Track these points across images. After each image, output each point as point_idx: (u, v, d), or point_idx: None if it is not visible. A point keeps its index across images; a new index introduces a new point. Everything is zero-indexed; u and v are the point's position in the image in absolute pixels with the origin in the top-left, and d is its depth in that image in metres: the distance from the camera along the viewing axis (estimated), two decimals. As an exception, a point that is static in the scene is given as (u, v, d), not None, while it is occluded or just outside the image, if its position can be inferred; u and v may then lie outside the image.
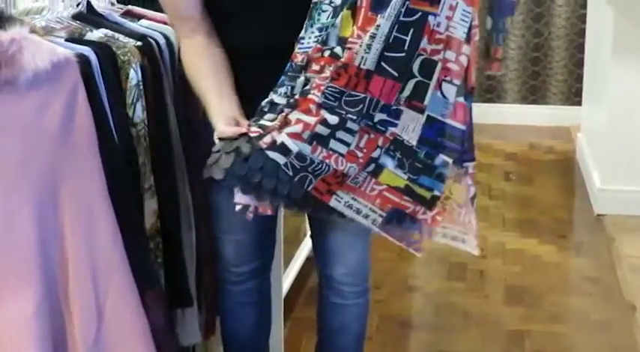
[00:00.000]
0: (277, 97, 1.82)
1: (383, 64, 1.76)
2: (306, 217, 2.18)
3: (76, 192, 1.68)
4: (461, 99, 1.81)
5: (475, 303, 3.22)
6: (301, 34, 1.83)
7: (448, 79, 1.79)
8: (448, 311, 3.18)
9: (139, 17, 2.14)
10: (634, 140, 3.94)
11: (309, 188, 1.81)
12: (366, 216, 1.87)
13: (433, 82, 1.78)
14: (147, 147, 1.91)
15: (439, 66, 1.78)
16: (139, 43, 1.92)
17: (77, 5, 2.02)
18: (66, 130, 1.66)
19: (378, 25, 1.74)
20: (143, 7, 2.20)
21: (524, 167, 4.84)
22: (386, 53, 1.75)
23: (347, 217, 1.87)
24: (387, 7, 1.74)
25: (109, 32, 1.92)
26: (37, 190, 1.64)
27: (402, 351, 2.97)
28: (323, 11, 1.81)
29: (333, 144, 1.78)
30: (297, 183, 1.80)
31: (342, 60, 1.75)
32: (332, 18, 1.80)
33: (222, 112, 1.85)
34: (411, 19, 1.75)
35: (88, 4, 2.05)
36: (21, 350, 1.62)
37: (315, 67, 1.80)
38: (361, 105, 1.78)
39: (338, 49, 1.77)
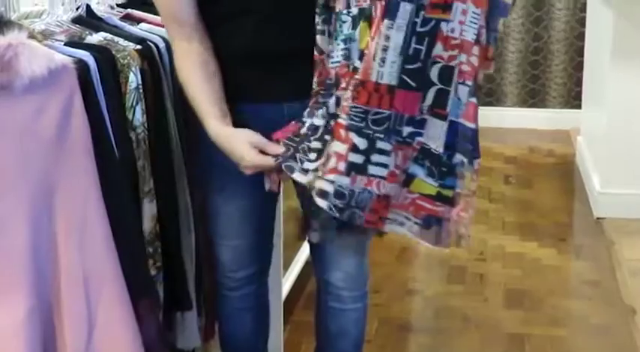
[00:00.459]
0: (317, 119, 1.84)
1: (404, 77, 1.76)
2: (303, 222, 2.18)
3: (71, 198, 1.67)
4: (473, 98, 1.81)
5: (475, 307, 3.22)
6: (330, 48, 1.83)
7: (462, 81, 1.79)
8: (448, 315, 3.18)
9: (139, 21, 2.14)
10: (634, 143, 3.94)
11: (361, 223, 1.84)
12: (402, 224, 1.89)
13: (453, 88, 1.79)
14: (146, 150, 1.91)
15: (456, 71, 1.78)
16: (139, 47, 1.92)
17: (77, 9, 2.02)
18: (61, 136, 1.65)
19: (388, 36, 1.74)
20: (143, 10, 2.19)
21: (523, 170, 4.84)
22: (406, 66, 1.75)
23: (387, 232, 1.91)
24: (395, 14, 1.73)
25: (109, 36, 1.92)
26: (32, 195, 1.64)
27: (402, 355, 2.98)
28: (343, 22, 1.81)
29: (371, 169, 1.80)
30: (349, 221, 1.83)
31: (358, 77, 1.76)
32: (352, 29, 1.80)
33: (242, 139, 1.88)
34: (426, 28, 1.75)
35: (88, 7, 2.05)
36: (10, 357, 1.61)
37: (343, 84, 1.81)
38: (387, 123, 1.78)
39: (358, 63, 1.78)
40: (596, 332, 3.03)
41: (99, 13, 2.08)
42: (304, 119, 1.86)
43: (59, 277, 1.67)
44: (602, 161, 4.12)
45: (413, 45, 1.75)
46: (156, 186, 1.94)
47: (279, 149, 1.86)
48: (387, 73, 1.75)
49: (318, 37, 1.85)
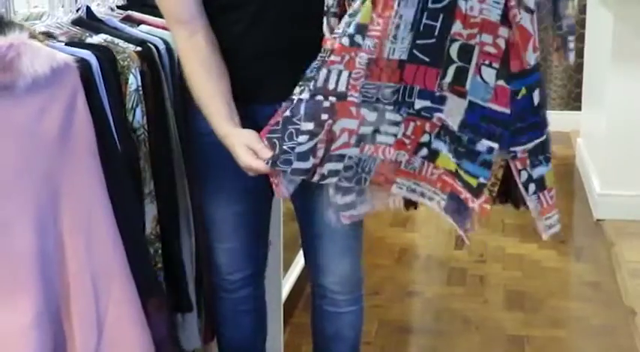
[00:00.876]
0: (300, 92, 1.79)
1: (415, 51, 1.77)
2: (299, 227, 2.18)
3: (76, 197, 1.67)
4: (501, 82, 1.79)
5: (475, 308, 3.22)
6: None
7: (487, 62, 1.78)
8: (448, 317, 3.18)
9: (139, 23, 2.14)
10: (634, 145, 3.94)
11: (366, 184, 1.86)
12: (431, 199, 1.90)
13: (472, 67, 1.78)
14: (147, 152, 1.91)
15: (477, 50, 1.77)
16: (139, 49, 1.92)
17: (77, 11, 2.02)
18: (65, 135, 1.65)
19: (400, 14, 1.74)
20: (143, 12, 2.19)
21: (523, 172, 4.83)
22: (417, 41, 1.75)
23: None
24: None
25: (109, 37, 1.92)
26: (37, 196, 1.63)
27: (402, 356, 2.98)
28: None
29: (379, 138, 1.82)
30: (356, 185, 1.85)
31: (373, 56, 1.75)
32: (360, 3, 1.76)
33: (241, 140, 1.84)
34: (439, 4, 1.74)
35: (88, 9, 2.05)
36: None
37: (335, 57, 1.77)
38: (397, 95, 1.79)
39: (358, 38, 1.76)
40: (596, 334, 3.04)
41: (99, 15, 2.07)
42: (294, 96, 1.81)
43: (67, 277, 1.66)
44: (602, 163, 4.12)
45: (424, 21, 1.75)
46: (156, 187, 1.94)
47: (269, 153, 1.81)
48: (398, 49, 1.76)
49: (332, 19, 1.82)
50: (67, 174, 1.66)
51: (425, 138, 1.84)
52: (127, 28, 2.06)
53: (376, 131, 1.81)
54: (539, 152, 1.88)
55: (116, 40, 1.92)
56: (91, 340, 1.67)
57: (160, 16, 2.02)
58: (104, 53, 1.82)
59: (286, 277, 2.90)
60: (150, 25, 2.11)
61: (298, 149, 1.80)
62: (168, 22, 1.97)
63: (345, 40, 1.76)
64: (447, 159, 1.85)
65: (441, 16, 1.75)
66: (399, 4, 1.73)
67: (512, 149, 1.84)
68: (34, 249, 1.62)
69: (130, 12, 2.19)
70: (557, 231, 2.00)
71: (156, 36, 2.03)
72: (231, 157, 1.86)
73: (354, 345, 2.23)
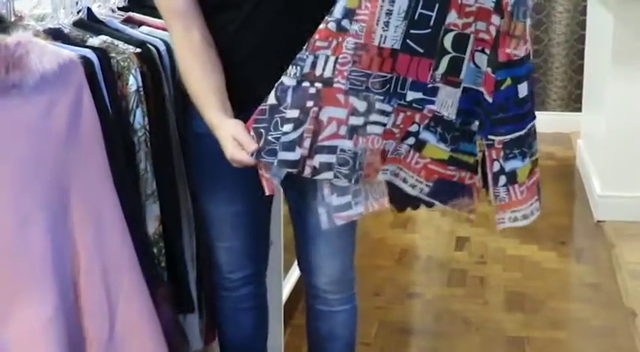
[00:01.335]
0: (287, 79, 1.76)
1: (409, 41, 1.73)
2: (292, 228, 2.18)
3: (85, 192, 1.69)
4: (489, 69, 1.77)
5: (475, 310, 3.22)
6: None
7: (480, 48, 1.76)
8: (448, 318, 3.18)
9: (140, 24, 2.14)
10: (634, 146, 3.94)
11: (362, 180, 1.83)
12: (413, 186, 1.88)
13: (467, 55, 1.76)
14: (148, 152, 1.91)
15: (472, 38, 1.75)
16: (139, 50, 1.92)
17: (78, 12, 2.03)
18: (73, 131, 1.66)
19: (392, 0, 1.70)
20: (143, 13, 2.20)
21: (524, 173, 4.83)
22: (411, 31, 1.72)
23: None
24: None
25: (109, 39, 1.93)
26: (48, 192, 1.65)
27: (402, 358, 2.98)
28: None
29: (370, 128, 1.79)
30: (355, 183, 1.82)
31: (360, 41, 1.72)
32: None
33: (227, 130, 1.82)
34: None
35: (89, 11, 2.06)
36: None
37: (321, 43, 1.74)
38: (388, 86, 1.76)
39: (345, 22, 1.72)
40: (596, 335, 3.03)
41: (100, 17, 2.08)
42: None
43: (78, 271, 1.68)
44: (602, 164, 4.12)
45: (419, 10, 1.72)
46: (158, 187, 1.94)
47: (254, 145, 1.78)
48: (391, 37, 1.73)
49: None
50: (76, 169, 1.68)
51: (413, 128, 1.82)
52: (128, 30, 2.06)
53: (366, 122, 1.78)
54: (515, 145, 1.85)
55: (116, 42, 1.92)
56: (103, 329, 1.70)
57: (161, 17, 2.03)
58: (103, 53, 1.83)
59: (287, 278, 2.90)
60: (150, 26, 2.12)
61: (283, 139, 1.76)
62: (163, 16, 1.96)
63: (332, 25, 1.73)
64: (435, 149, 1.83)
65: (437, 5, 1.72)
66: None
67: (490, 137, 1.83)
68: (49, 244, 1.64)
69: (130, 13, 2.19)
70: (521, 225, 1.96)
71: (156, 37, 2.04)
72: None
73: (349, 344, 2.24)
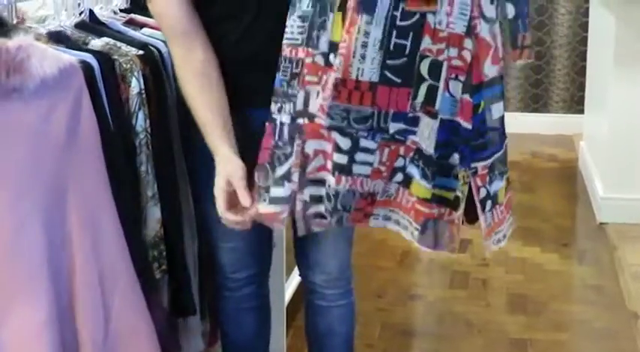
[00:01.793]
0: (284, 116, 1.76)
1: (386, 72, 1.69)
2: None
3: (83, 197, 1.69)
4: (466, 95, 1.72)
5: (477, 312, 3.22)
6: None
7: (453, 76, 1.71)
8: (450, 320, 3.18)
9: (142, 26, 2.14)
10: (636, 148, 3.94)
11: (348, 223, 1.82)
12: (406, 228, 1.84)
13: (441, 84, 1.71)
14: (150, 155, 1.91)
15: (445, 66, 1.70)
16: (141, 52, 1.92)
17: (80, 14, 2.03)
18: (72, 136, 1.67)
19: (367, 32, 1.66)
20: (145, 15, 2.20)
21: (526, 175, 4.83)
22: (388, 61, 1.68)
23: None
24: (373, 9, 1.65)
25: (111, 41, 1.93)
26: (45, 196, 1.65)
27: (405, 360, 2.98)
28: None
29: (356, 168, 1.75)
30: (336, 223, 1.80)
31: (338, 75, 1.69)
32: (311, 7, 1.70)
33: (224, 168, 1.84)
34: (408, 22, 1.67)
35: (91, 12, 2.06)
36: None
37: (310, 77, 1.72)
38: (370, 121, 1.72)
39: (331, 57, 1.70)
40: (599, 337, 3.03)
41: (102, 18, 2.08)
42: (274, 115, 1.78)
43: (74, 275, 1.68)
44: (604, 166, 4.12)
45: (394, 39, 1.67)
46: (159, 190, 1.94)
47: (248, 201, 1.80)
48: (368, 70, 1.68)
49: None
50: (74, 173, 1.68)
51: (400, 163, 1.77)
52: (130, 31, 2.06)
53: (352, 161, 1.74)
54: (496, 167, 1.83)
55: (118, 44, 1.92)
56: (98, 333, 1.70)
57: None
58: (104, 57, 1.83)
59: (289, 280, 2.90)
60: (152, 28, 2.12)
61: (277, 172, 1.77)
62: (165, 35, 1.95)
63: (319, 59, 1.71)
64: (419, 186, 1.78)
65: (411, 33, 1.67)
66: (365, 23, 1.66)
67: (473, 165, 1.78)
68: (45, 247, 1.64)
69: (132, 15, 2.19)
70: (503, 245, 1.93)
71: (158, 39, 2.04)
72: None
73: (348, 340, 2.25)
